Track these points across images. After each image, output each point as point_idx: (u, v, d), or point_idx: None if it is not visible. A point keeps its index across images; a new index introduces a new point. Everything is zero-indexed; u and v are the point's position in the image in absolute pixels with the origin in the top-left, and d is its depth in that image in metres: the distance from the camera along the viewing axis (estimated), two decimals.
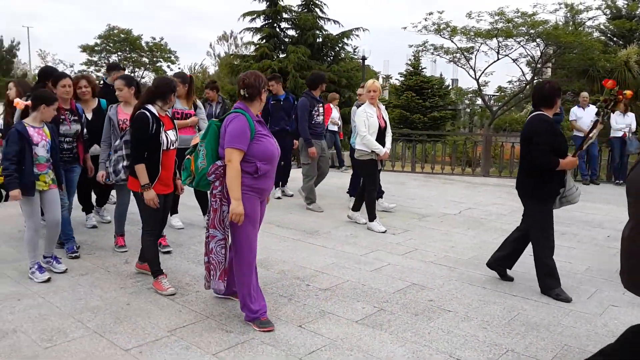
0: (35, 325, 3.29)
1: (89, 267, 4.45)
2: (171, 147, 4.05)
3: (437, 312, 3.73)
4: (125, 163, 4.16)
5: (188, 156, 3.64)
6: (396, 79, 34.84)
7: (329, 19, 21.47)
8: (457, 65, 23.88)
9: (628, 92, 4.15)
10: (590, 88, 18.93)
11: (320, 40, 21.41)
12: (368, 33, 21.90)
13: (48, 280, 4.09)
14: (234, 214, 3.25)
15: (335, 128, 11.35)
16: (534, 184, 4.08)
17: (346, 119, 12.91)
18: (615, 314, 3.75)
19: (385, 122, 6.24)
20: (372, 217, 6.15)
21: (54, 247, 4.44)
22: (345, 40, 21.72)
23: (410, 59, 27.62)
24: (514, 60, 22.01)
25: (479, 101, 31.66)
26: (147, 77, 43.37)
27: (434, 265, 4.81)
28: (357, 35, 21.49)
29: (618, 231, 6.33)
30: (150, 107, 3.94)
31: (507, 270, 4.51)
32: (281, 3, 21.07)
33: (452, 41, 21.74)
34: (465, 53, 22.26)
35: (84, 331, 3.23)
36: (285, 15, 21.48)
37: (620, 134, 10.13)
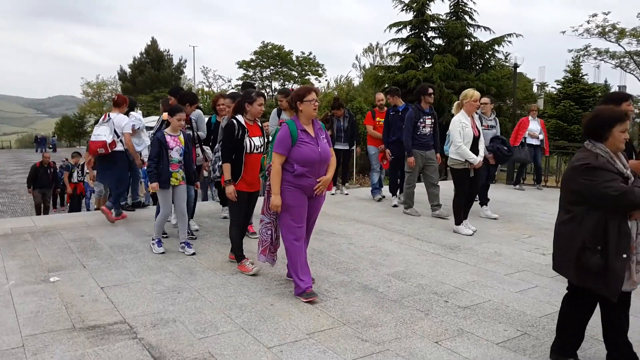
0: (191, 316, 3.66)
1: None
2: (254, 151, 4.71)
3: (589, 341, 3.41)
4: (220, 163, 4.87)
5: (264, 155, 4.67)
6: (552, 87, 32.50)
7: (478, 26, 20.80)
8: (625, 71, 21.66)
9: None
10: None
11: (469, 48, 20.80)
12: (521, 39, 20.71)
13: (163, 253, 5.20)
14: (272, 205, 4.04)
15: (535, 142, 10.10)
16: None
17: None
18: None
19: (479, 132, 6.35)
20: (458, 221, 6.41)
21: (185, 233, 5.38)
22: (495, 47, 20.86)
23: (569, 65, 25.61)
24: None
25: None
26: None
27: None
28: (510, 42, 20.51)
29: None
30: (238, 116, 4.71)
31: None
32: (429, 12, 20.87)
33: (619, 44, 19.79)
34: (635, 57, 20.09)
35: (232, 326, 3.51)
36: (432, 25, 21.24)
37: None
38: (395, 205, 8.13)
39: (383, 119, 8.36)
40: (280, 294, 4.16)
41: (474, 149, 6.21)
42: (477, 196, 7.56)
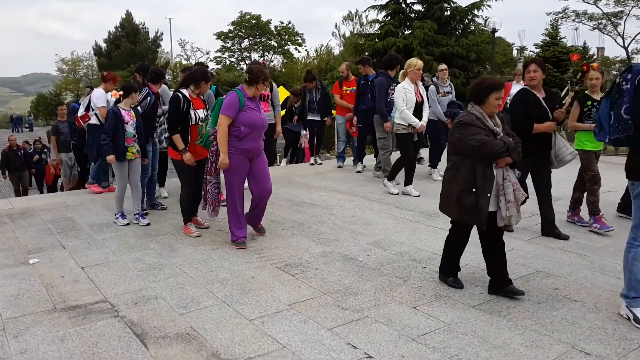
0: (173, 293, 3.69)
1: (220, 242, 4.85)
2: (199, 123, 4.99)
3: (562, 301, 3.53)
4: (167, 135, 5.19)
5: (201, 123, 4.94)
6: (531, 51, 32.57)
7: None
8: (603, 33, 21.75)
9: (594, 65, 4.54)
10: None
11: (448, 13, 20.67)
12: (501, 2, 20.62)
13: (127, 224, 5.42)
14: (221, 163, 4.52)
15: None
16: None
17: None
18: None
19: (422, 98, 6.63)
20: (391, 177, 6.94)
21: (138, 205, 5.55)
22: (475, 11, 20.75)
23: (547, 28, 25.60)
24: None
25: None
26: (276, 61, 45.22)
27: (562, 252, 4.52)
28: (489, 6, 20.43)
29: None
30: (183, 90, 5.03)
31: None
32: None
33: (597, 6, 19.81)
34: (612, 19, 20.19)
35: (213, 300, 3.55)
36: None
37: None
38: (359, 171, 8.49)
39: (350, 88, 8.49)
40: (261, 267, 4.21)
41: (418, 114, 6.52)
42: (429, 159, 8.12)
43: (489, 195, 3.45)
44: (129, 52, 40.58)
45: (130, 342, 3.00)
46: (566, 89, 4.97)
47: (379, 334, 3.07)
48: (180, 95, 4.97)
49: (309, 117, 8.97)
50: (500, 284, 3.65)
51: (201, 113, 5.05)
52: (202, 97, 5.22)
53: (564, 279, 3.93)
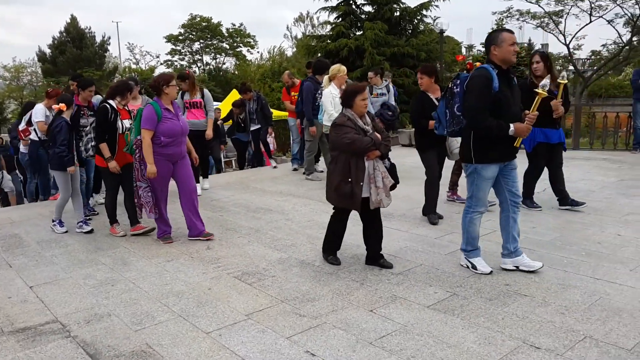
0: (127, 309, 3.61)
1: (175, 254, 4.77)
2: (125, 132, 5.28)
3: (512, 296, 3.65)
4: (93, 143, 5.38)
5: (127, 132, 5.25)
6: (479, 50, 33.46)
7: None
8: (546, 31, 22.56)
9: (477, 64, 4.90)
10: None
11: (398, 14, 20.94)
12: (448, 2, 21.07)
13: (66, 232, 5.52)
14: (149, 173, 4.88)
15: None
16: None
17: None
18: None
19: None
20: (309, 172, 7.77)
21: (81, 212, 5.63)
22: (424, 12, 21.09)
23: (493, 27, 26.38)
24: (609, 22, 20.40)
25: (571, 67, 29.69)
26: (228, 63, 44.76)
27: None
28: (437, 6, 20.81)
29: None
30: (110, 101, 5.32)
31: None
32: None
33: (539, 5, 20.51)
34: (554, 17, 20.96)
35: (169, 315, 3.49)
36: None
37: None
38: (295, 169, 9.06)
39: (297, 93, 8.69)
40: (217, 277, 4.17)
41: None
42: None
43: (361, 183, 4.09)
44: (75, 57, 39.25)
45: None
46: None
47: (337, 339, 3.10)
48: (108, 106, 5.28)
49: (251, 128, 9.57)
50: (375, 257, 4.35)
51: (127, 123, 5.34)
52: (127, 107, 5.53)
53: (514, 274, 4.06)
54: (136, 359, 2.94)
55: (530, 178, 6.10)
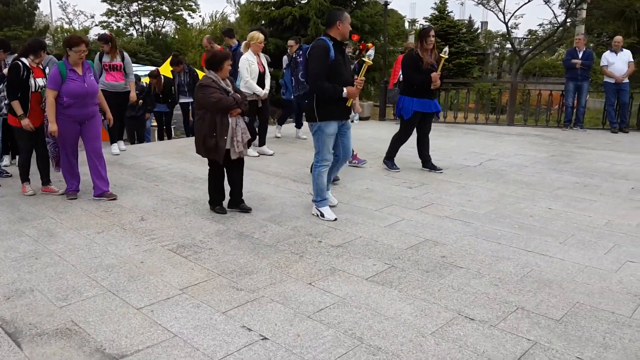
0: (51, 284, 3.39)
1: (105, 225, 4.54)
2: (38, 90, 5.27)
3: (448, 268, 3.71)
4: (6, 102, 5.45)
5: (41, 90, 5.24)
6: (421, 24, 33.74)
7: None
8: (486, 8, 22.98)
9: (369, 45, 5.80)
10: (626, 31, 17.98)
11: None
12: None
13: None
14: (50, 131, 5.02)
15: None
16: None
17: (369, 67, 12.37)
18: (632, 270, 3.67)
19: (265, 68, 7.31)
20: (262, 142, 7.64)
21: None
22: None
23: (436, 2, 26.62)
24: (546, 2, 21.01)
25: (509, 45, 30.53)
26: (168, 27, 43.00)
27: (448, 220, 4.75)
28: None
29: None
30: (24, 59, 5.29)
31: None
32: None
33: None
34: None
35: (98, 290, 3.31)
36: None
37: None
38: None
39: None
40: (151, 250, 4.00)
41: (261, 83, 7.20)
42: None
43: (225, 137, 4.60)
44: (2, 14, 36.52)
45: (1, 343, 2.72)
46: (358, 62, 6.07)
47: (275, 313, 3.04)
48: (20, 63, 5.22)
49: (181, 100, 9.48)
50: (236, 202, 4.96)
51: (40, 81, 5.29)
52: (41, 66, 5.49)
53: (450, 246, 4.14)
54: (60, 337, 2.77)
55: (397, 142, 6.70)
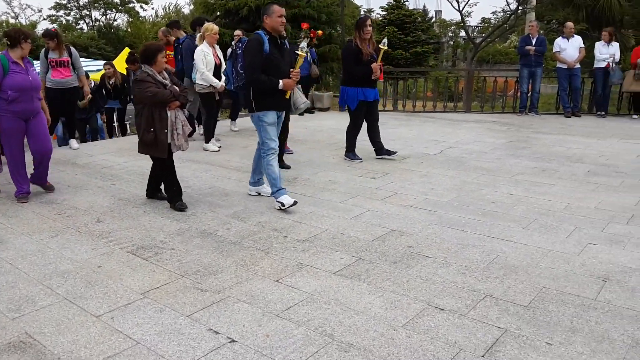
0: (2, 294, 3.18)
1: (59, 228, 4.32)
2: None
3: (415, 258, 3.69)
4: None
5: None
6: (378, 14, 33.89)
7: None
8: None
9: (319, 32, 6.28)
10: (576, 17, 18.48)
11: None
12: None
13: None
14: None
15: None
16: None
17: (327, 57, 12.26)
18: (594, 252, 3.74)
19: (220, 60, 7.33)
20: (207, 139, 7.41)
21: None
22: None
23: None
24: None
25: (463, 33, 30.99)
26: (120, 20, 41.76)
27: (413, 210, 4.75)
28: None
29: (598, 165, 6.36)
30: None
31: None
32: None
33: None
34: None
35: (53, 298, 3.13)
36: None
37: (603, 64, 9.96)
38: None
39: (172, 52, 8.45)
40: (109, 253, 3.82)
41: (217, 75, 7.18)
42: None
43: (165, 131, 4.57)
44: None
45: None
46: (297, 54, 6.10)
47: (242, 314, 2.95)
48: None
49: None
50: (154, 191, 5.05)
51: None
52: None
53: (416, 236, 4.13)
54: (14, 352, 2.60)
55: (352, 134, 6.72)
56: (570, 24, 10.41)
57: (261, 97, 4.73)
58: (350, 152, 6.75)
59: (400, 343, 2.64)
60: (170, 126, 4.60)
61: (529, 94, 10.47)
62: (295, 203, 4.68)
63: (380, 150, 6.76)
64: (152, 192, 5.08)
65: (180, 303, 3.07)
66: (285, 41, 4.89)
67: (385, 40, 6.51)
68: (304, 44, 4.93)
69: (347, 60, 6.44)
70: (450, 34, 38.36)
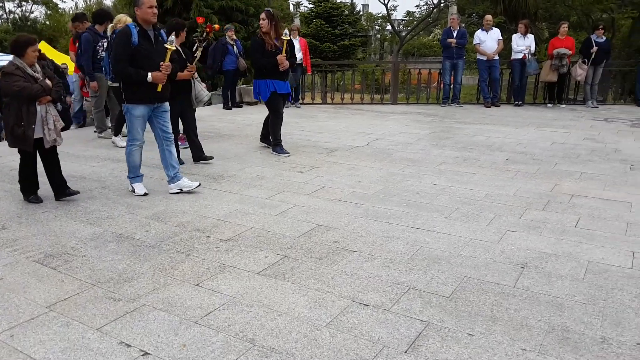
0: None
1: None
2: None
3: (341, 253, 3.64)
4: None
5: None
6: (305, 7, 33.81)
7: None
8: None
9: (216, 26, 6.31)
10: (494, 10, 19.24)
11: None
12: None
13: None
14: None
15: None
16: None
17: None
18: (512, 239, 3.84)
19: None
20: (117, 132, 7.25)
21: None
22: None
23: None
24: None
25: (390, 27, 31.53)
26: (37, 12, 39.33)
27: (340, 203, 4.71)
28: None
29: (516, 153, 6.59)
30: None
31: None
32: None
33: None
34: None
35: None
36: None
37: (520, 55, 10.38)
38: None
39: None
40: (13, 263, 3.51)
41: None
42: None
43: (33, 126, 4.47)
44: None
45: None
46: (196, 45, 6.12)
47: (158, 323, 2.77)
48: None
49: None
50: (60, 191, 4.82)
51: None
52: None
53: (342, 230, 4.08)
54: None
55: (273, 127, 6.66)
56: (488, 17, 10.77)
57: (130, 90, 4.73)
58: (277, 145, 6.64)
59: (324, 343, 2.57)
60: (40, 121, 4.50)
61: (452, 86, 10.75)
62: (146, 194, 4.91)
63: (266, 140, 6.89)
64: (57, 193, 4.85)
65: (89, 315, 2.85)
66: (162, 32, 4.88)
67: (286, 31, 6.52)
68: (172, 37, 4.85)
69: (253, 52, 6.52)
70: (377, 27, 38.92)
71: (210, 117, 9.73)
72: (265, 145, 6.91)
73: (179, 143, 6.76)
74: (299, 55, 10.48)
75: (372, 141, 7.40)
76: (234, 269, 3.42)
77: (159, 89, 4.76)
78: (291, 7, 38.05)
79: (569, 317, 2.78)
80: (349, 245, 3.79)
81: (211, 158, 6.23)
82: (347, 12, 27.50)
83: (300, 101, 11.26)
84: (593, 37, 10.34)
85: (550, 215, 4.35)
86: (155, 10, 4.66)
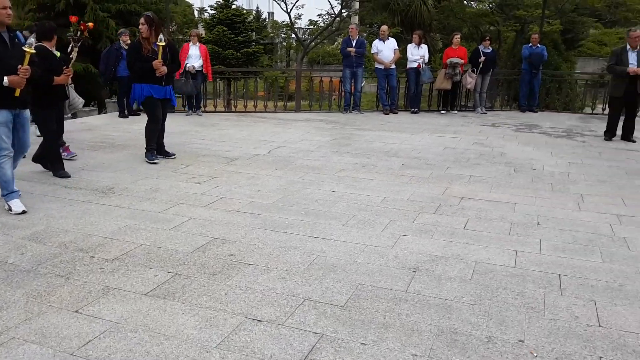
0: None
1: None
2: None
3: (236, 267, 3.52)
4: None
5: None
6: (207, 12, 33.20)
7: None
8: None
9: (90, 24, 6.13)
10: (392, 21, 19.99)
11: None
12: None
13: None
14: None
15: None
16: None
17: None
18: (406, 243, 3.92)
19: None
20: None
21: None
22: None
23: None
24: None
25: (293, 35, 31.77)
26: None
27: (237, 214, 4.58)
28: None
29: (411, 158, 6.80)
30: None
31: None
32: None
33: None
34: None
35: None
36: None
37: (415, 64, 10.81)
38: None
39: None
40: None
41: None
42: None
43: None
44: None
45: None
46: (71, 46, 5.90)
47: (28, 357, 2.50)
48: None
49: None
50: None
51: None
52: None
53: (239, 242, 3.96)
54: None
55: (148, 131, 6.53)
56: (384, 27, 11.14)
57: None
58: (149, 151, 6.52)
59: None
60: None
61: (352, 93, 10.97)
62: (24, 212, 4.55)
63: (160, 149, 6.70)
64: None
65: None
66: (19, 34, 4.75)
67: (161, 36, 6.32)
68: (31, 39, 4.60)
69: (129, 56, 6.53)
70: (282, 35, 39.09)
71: (105, 126, 9.20)
72: (162, 156, 6.68)
73: (65, 153, 6.36)
74: (198, 62, 10.25)
75: (274, 149, 7.33)
76: (118, 291, 3.19)
77: (17, 93, 4.47)
78: (195, 13, 37.26)
79: (457, 319, 2.86)
80: (245, 258, 3.68)
81: (69, 177, 5.72)
82: (249, 19, 27.33)
83: (202, 109, 10.97)
84: (481, 47, 11.03)
85: (441, 218, 4.51)
86: (10, 12, 4.43)
